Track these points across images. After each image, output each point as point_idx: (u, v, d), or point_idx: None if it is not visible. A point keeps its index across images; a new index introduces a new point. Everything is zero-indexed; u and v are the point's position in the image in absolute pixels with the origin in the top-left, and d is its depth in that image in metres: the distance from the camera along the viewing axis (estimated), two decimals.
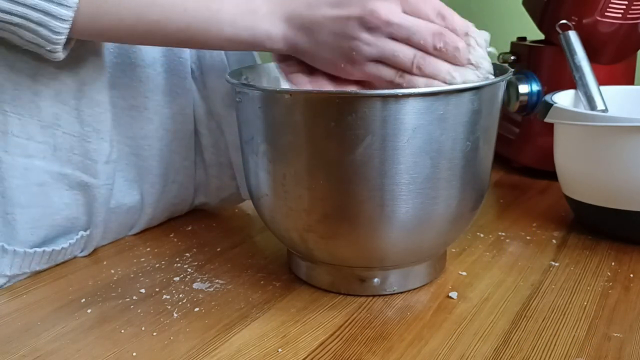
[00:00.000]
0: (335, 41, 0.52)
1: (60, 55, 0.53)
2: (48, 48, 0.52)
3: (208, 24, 0.53)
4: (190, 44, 0.55)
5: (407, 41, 0.51)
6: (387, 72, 0.52)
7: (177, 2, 0.52)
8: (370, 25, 0.50)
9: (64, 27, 0.51)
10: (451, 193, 0.52)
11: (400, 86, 0.52)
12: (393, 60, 0.51)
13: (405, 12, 0.51)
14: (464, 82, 0.51)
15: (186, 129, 0.71)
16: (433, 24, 0.51)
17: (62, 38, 0.52)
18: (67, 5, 0.50)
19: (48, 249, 0.61)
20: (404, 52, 0.51)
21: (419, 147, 0.49)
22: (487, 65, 0.53)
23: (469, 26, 0.52)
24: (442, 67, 0.51)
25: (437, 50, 0.51)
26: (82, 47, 0.59)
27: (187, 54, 0.69)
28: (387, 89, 0.50)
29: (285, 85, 0.57)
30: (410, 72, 0.51)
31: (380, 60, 0.52)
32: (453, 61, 0.51)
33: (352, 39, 0.51)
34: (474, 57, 0.52)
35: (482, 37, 0.52)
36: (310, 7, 0.52)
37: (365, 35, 0.50)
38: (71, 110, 0.60)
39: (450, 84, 0.51)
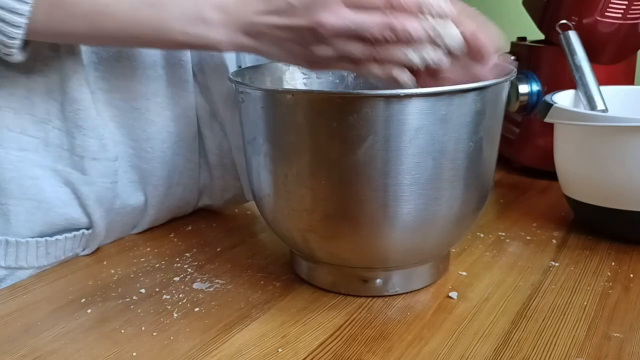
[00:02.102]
0: (289, 46, 0.51)
1: (14, 52, 0.53)
2: (5, 43, 0.52)
3: (160, 33, 0.53)
4: (148, 46, 0.61)
5: (358, 38, 0.49)
6: (349, 66, 0.52)
7: (128, 13, 0.52)
8: (318, 36, 0.50)
9: (21, 21, 0.51)
10: (454, 194, 0.52)
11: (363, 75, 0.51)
12: (350, 58, 0.50)
13: (350, 7, 0.49)
14: (424, 60, 0.50)
15: (189, 131, 0.71)
16: (377, 16, 0.48)
17: (20, 32, 0.51)
18: (24, 1, 0.50)
19: (41, 239, 0.61)
20: (357, 49, 0.50)
21: (422, 148, 0.49)
22: (449, 32, 0.49)
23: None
24: (395, 52, 0.49)
25: (388, 40, 0.49)
26: (61, 45, 0.60)
27: (188, 56, 0.69)
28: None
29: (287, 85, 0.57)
30: (369, 64, 0.50)
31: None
32: (410, 44, 0.49)
33: (305, 46, 0.51)
34: (433, 31, 0.49)
35: (437, 4, 0.49)
36: (257, 14, 0.51)
37: (316, 44, 0.50)
38: (59, 106, 0.61)
39: (409, 65, 0.50)
